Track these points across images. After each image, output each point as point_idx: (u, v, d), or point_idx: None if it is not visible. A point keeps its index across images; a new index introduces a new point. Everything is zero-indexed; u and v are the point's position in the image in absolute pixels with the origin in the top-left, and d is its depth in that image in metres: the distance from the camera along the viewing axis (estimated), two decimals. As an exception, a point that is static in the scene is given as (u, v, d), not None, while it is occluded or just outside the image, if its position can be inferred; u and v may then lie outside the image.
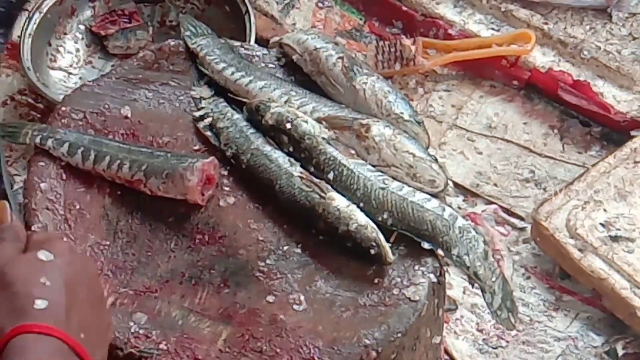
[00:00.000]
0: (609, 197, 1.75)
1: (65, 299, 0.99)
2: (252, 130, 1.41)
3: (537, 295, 1.74)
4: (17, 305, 0.97)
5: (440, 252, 1.31)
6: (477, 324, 1.70)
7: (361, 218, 1.30)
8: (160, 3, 2.04)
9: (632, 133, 1.86)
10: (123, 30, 1.99)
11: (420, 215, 1.31)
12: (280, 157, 1.37)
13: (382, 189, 1.33)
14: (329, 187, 1.33)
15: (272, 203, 1.37)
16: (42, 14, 1.91)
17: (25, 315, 0.97)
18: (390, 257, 1.29)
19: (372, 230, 1.29)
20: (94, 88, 1.50)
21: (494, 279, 1.31)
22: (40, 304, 0.97)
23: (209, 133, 1.43)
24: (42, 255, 1.01)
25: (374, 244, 1.28)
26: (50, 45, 1.95)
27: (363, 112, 1.40)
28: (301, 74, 1.49)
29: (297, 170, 1.35)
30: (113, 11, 2.01)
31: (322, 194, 1.32)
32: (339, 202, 1.31)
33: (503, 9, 2.02)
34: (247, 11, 1.91)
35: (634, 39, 2.00)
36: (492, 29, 2.01)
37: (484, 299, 1.32)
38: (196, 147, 1.43)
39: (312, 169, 1.36)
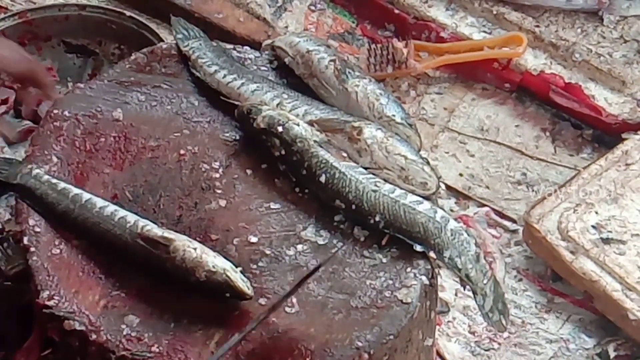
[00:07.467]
0: (600, 200, 1.75)
1: None
2: None
3: (529, 298, 1.74)
4: None
5: (432, 254, 1.31)
6: (469, 326, 1.70)
7: (210, 262, 1.25)
8: (93, 56, 1.94)
9: (624, 135, 1.86)
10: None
11: (412, 218, 1.31)
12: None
13: (374, 191, 1.33)
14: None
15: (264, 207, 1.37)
16: None
17: None
18: (248, 292, 1.24)
19: (221, 274, 1.24)
20: (86, 91, 1.49)
21: (485, 281, 1.31)
22: None
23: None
24: None
25: (227, 287, 1.24)
26: None
27: (355, 115, 1.40)
28: (293, 76, 1.49)
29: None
30: None
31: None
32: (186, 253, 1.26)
33: (495, 12, 2.02)
34: None
35: (625, 41, 2.00)
36: (484, 31, 2.02)
37: (476, 301, 1.32)
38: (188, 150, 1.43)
39: (303, 172, 1.36)
